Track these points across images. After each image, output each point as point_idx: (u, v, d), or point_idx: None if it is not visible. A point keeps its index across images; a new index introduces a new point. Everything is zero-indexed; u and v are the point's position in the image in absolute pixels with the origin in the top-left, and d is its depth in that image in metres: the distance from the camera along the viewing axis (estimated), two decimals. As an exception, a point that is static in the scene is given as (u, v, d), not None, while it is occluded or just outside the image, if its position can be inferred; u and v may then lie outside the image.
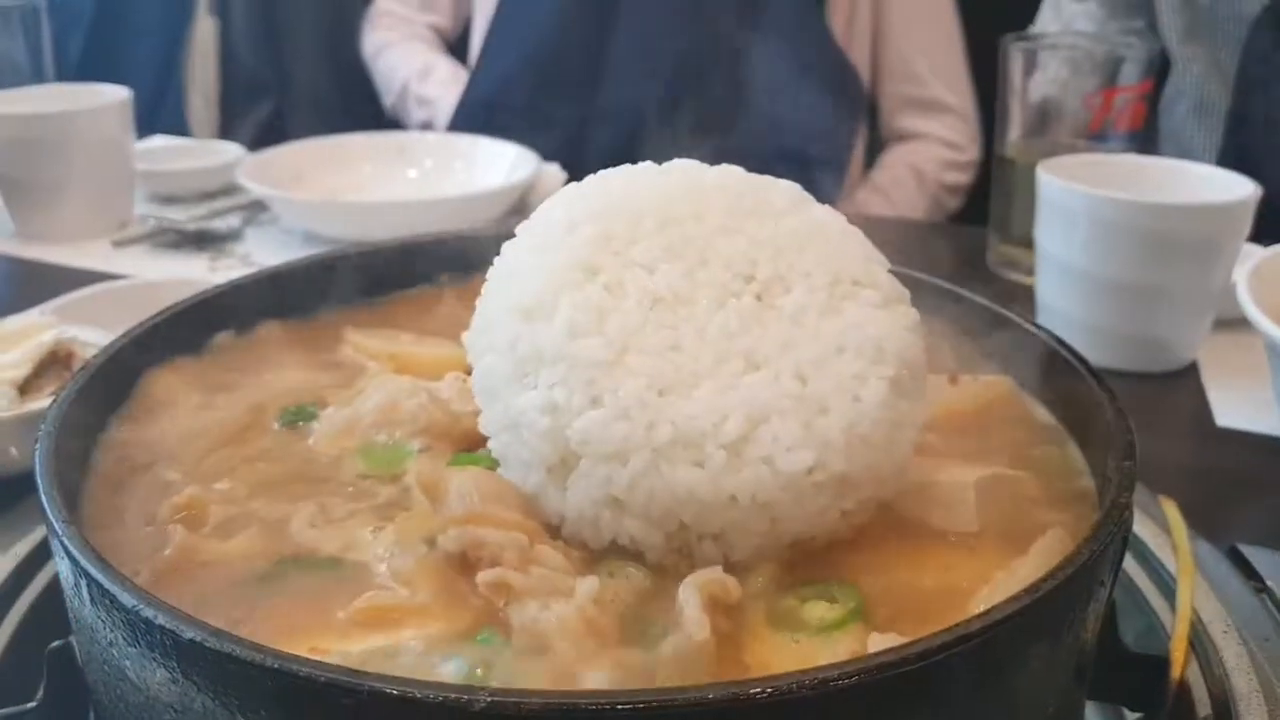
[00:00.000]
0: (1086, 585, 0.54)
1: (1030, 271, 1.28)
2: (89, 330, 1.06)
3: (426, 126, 2.41)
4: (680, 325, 0.60)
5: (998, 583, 0.57)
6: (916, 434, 0.64)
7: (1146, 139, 2.09)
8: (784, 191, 0.68)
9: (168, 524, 0.62)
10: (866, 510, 0.62)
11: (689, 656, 0.51)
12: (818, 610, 0.57)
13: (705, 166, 0.70)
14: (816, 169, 2.12)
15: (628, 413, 0.57)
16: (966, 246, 1.62)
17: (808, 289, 0.62)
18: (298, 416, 0.74)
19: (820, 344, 0.61)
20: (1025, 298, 1.28)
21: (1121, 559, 0.60)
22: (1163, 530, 0.81)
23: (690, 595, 0.54)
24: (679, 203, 0.65)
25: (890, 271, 0.68)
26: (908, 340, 0.63)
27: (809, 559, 0.60)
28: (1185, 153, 2.02)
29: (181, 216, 1.72)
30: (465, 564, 0.57)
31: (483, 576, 0.55)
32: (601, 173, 0.70)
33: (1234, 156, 1.84)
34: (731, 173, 0.69)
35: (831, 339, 0.61)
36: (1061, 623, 0.53)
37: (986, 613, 0.48)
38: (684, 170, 0.69)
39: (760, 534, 0.58)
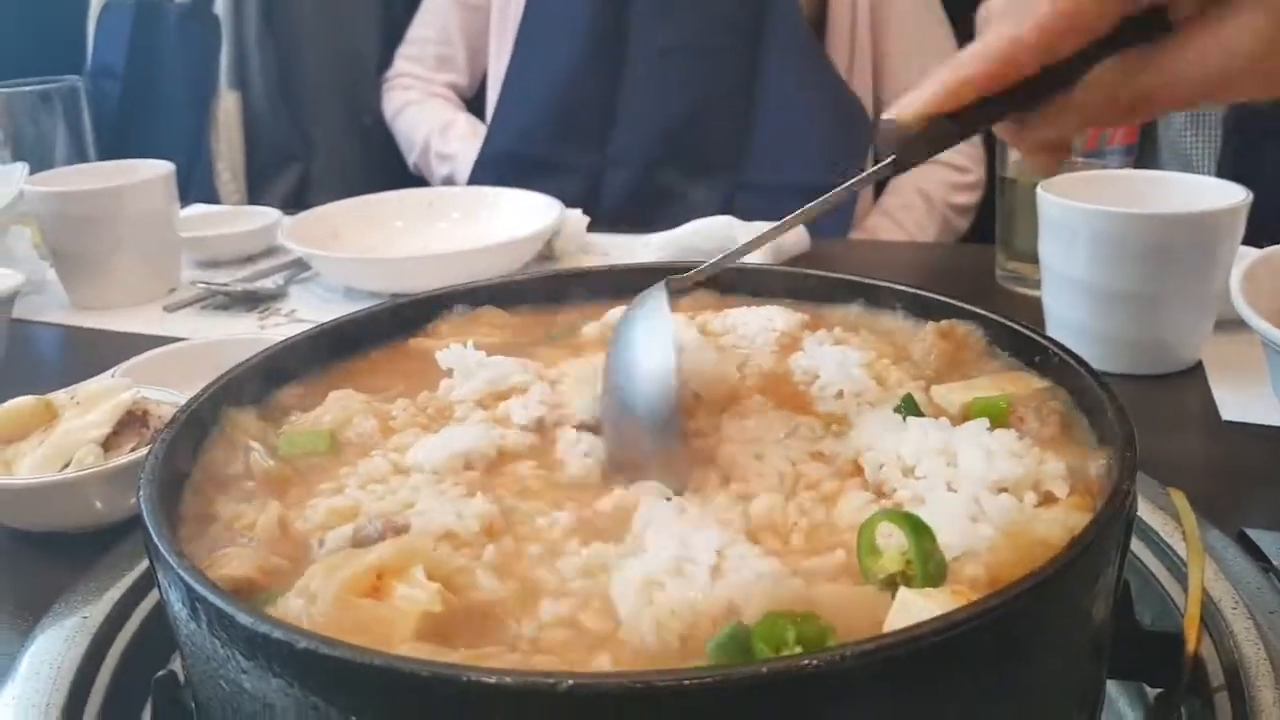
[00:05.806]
0: (1094, 564, 0.59)
1: (1037, 286, 1.33)
2: (159, 390, 1.13)
3: (449, 181, 2.49)
4: None
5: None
6: None
7: (1147, 151, 2.14)
8: None
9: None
10: None
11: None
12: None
13: None
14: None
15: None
16: (975, 265, 1.67)
17: None
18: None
19: None
20: (1034, 310, 1.33)
21: (1128, 541, 0.66)
22: (1174, 520, 0.86)
23: None
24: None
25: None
26: None
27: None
28: (1185, 162, 2.07)
29: (226, 279, 1.80)
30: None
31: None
32: None
33: (1232, 163, 1.89)
34: None
35: None
36: (1072, 599, 0.58)
37: (1002, 589, 0.53)
38: None
39: None
